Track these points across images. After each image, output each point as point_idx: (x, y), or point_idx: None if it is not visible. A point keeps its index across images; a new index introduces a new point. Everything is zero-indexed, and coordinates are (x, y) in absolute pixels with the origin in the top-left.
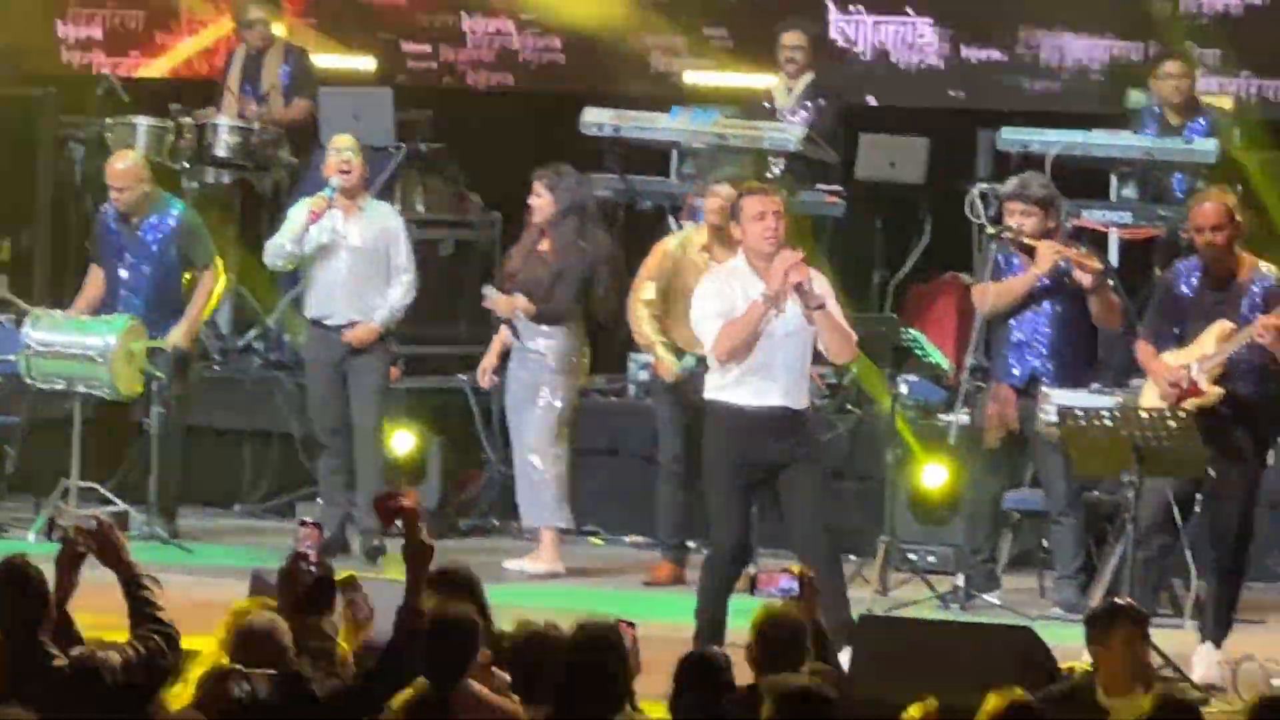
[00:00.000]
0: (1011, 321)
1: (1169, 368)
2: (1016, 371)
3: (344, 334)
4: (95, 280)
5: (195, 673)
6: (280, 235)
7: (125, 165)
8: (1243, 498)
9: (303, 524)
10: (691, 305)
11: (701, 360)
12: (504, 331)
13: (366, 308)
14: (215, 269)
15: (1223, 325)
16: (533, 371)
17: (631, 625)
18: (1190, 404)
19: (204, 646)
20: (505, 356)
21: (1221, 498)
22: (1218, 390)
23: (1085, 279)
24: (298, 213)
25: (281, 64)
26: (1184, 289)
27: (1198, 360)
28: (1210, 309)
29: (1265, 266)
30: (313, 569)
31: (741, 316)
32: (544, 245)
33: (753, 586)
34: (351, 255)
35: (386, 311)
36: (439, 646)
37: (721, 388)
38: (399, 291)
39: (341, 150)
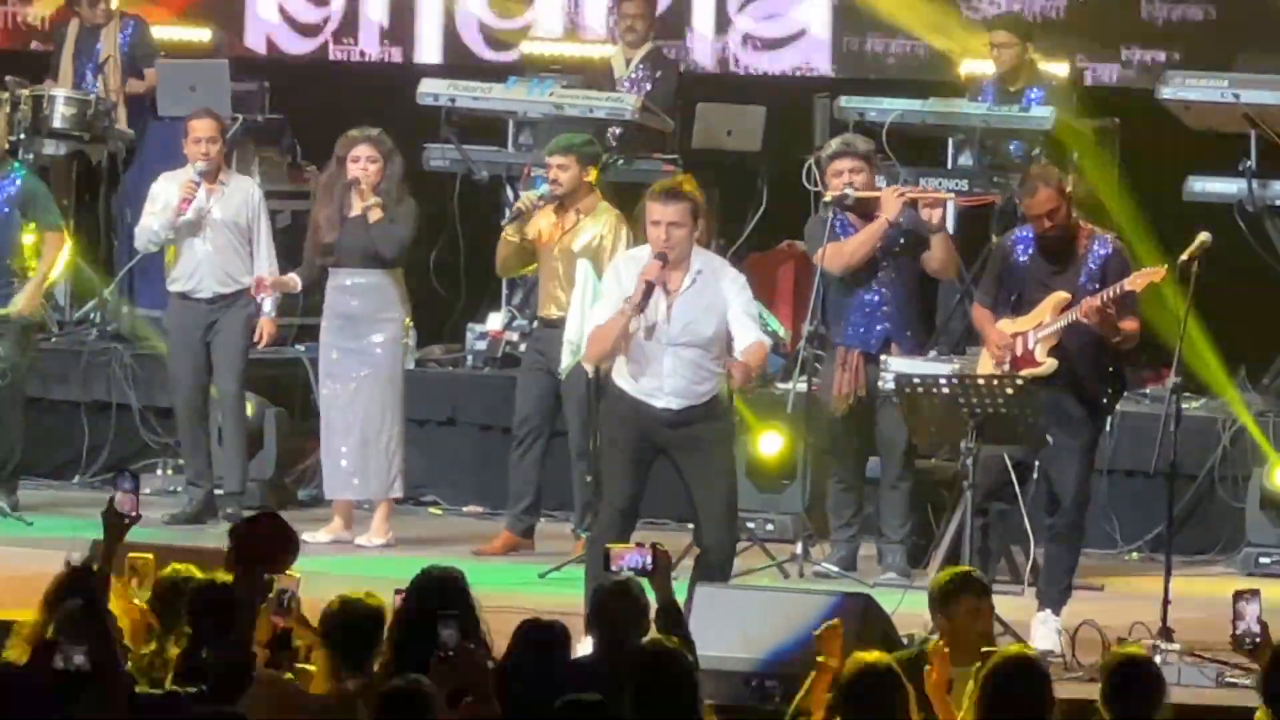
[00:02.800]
0: (857, 286)
1: (1001, 335)
2: (867, 337)
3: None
4: None
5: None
6: (150, 219)
7: None
8: (1078, 464)
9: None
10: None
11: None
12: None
13: (230, 280)
14: (61, 233)
15: (1060, 296)
16: (376, 342)
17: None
18: (1026, 373)
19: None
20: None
21: (1058, 464)
22: (1052, 361)
23: (935, 215)
24: (164, 192)
25: (119, 34)
26: (1021, 257)
27: (1033, 329)
28: (1048, 278)
29: (1101, 232)
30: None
31: (605, 322)
32: (362, 208)
33: (606, 562)
34: (214, 230)
35: (271, 303)
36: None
37: (618, 371)
38: (265, 265)
39: (201, 140)
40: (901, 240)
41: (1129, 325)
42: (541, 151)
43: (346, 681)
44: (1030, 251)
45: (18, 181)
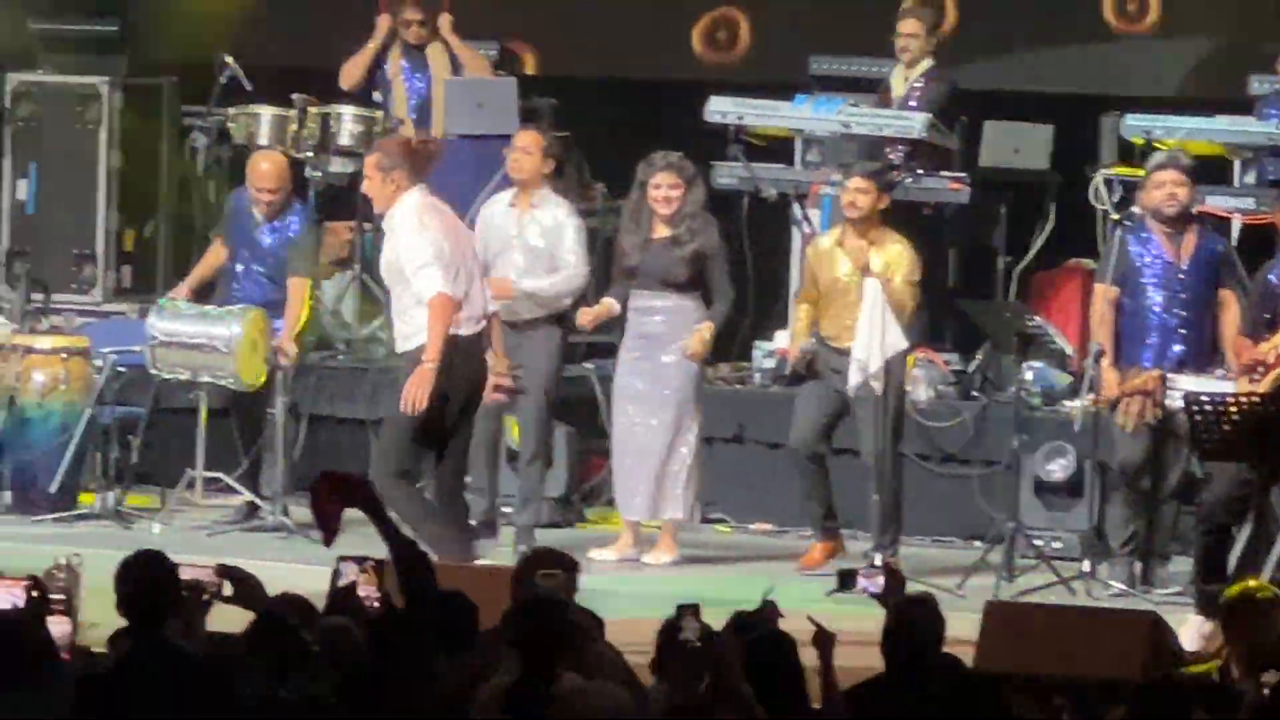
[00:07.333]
0: (1155, 307)
1: (1251, 354)
2: (1161, 357)
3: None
4: (216, 255)
5: None
6: None
7: (272, 166)
8: None
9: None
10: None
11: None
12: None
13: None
14: (303, 284)
15: None
16: (669, 363)
17: None
18: (1270, 378)
19: None
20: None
21: None
22: None
23: None
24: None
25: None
26: (1273, 277)
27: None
28: None
29: None
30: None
31: None
32: (666, 232)
33: (845, 583)
34: (524, 254)
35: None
36: (528, 629)
37: None
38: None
39: (516, 149)
40: (1205, 264)
41: None
42: (827, 169)
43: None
44: None
45: (295, 226)
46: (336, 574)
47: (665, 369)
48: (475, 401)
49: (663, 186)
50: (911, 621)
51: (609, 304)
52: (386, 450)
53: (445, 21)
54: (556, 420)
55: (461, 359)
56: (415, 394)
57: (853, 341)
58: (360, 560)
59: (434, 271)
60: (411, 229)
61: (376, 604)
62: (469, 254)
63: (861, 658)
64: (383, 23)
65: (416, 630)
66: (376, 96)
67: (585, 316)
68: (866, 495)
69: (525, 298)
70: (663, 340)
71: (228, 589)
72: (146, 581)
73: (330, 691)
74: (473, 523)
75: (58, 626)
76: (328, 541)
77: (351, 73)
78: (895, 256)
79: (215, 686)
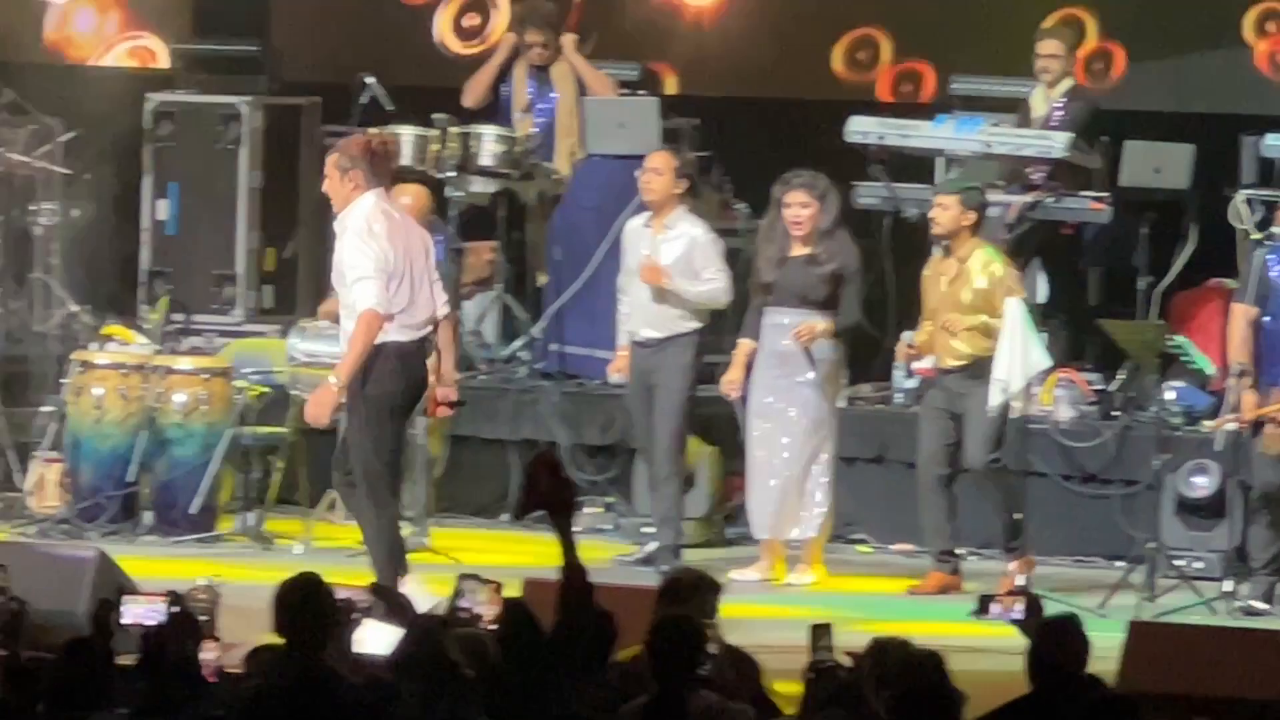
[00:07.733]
0: None
1: None
2: None
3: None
4: None
5: None
6: None
7: (413, 201)
8: None
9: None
10: None
11: None
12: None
13: (663, 324)
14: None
15: None
16: (804, 380)
17: None
18: None
19: None
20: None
21: None
22: None
23: None
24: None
25: (572, 78)
26: None
27: None
28: None
29: None
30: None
31: None
32: (804, 250)
33: (984, 607)
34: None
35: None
36: (660, 650)
37: None
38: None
39: (645, 170)
40: None
41: None
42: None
43: None
44: None
45: (435, 255)
46: (459, 593)
47: (799, 388)
48: (410, 409)
49: (793, 206)
50: (1057, 643)
51: (746, 346)
52: (362, 448)
53: (569, 42)
54: (699, 440)
55: (401, 366)
56: (316, 412)
57: (957, 362)
58: (482, 579)
59: (370, 285)
60: (359, 235)
61: (492, 628)
62: (419, 259)
63: (1010, 664)
64: (506, 41)
65: (564, 651)
66: (516, 116)
67: (732, 389)
68: (984, 511)
69: (667, 297)
70: (797, 358)
71: (379, 608)
72: (307, 605)
73: (478, 712)
74: None
75: (205, 653)
76: (520, 514)
77: (474, 91)
78: (992, 277)
79: (373, 714)
